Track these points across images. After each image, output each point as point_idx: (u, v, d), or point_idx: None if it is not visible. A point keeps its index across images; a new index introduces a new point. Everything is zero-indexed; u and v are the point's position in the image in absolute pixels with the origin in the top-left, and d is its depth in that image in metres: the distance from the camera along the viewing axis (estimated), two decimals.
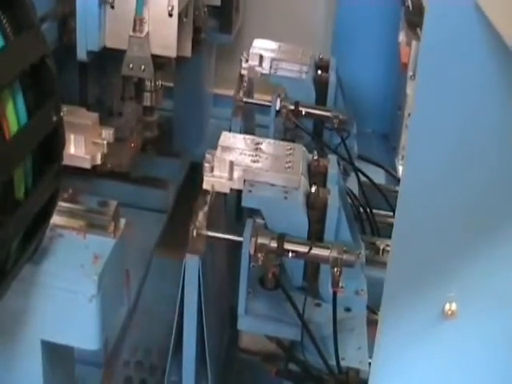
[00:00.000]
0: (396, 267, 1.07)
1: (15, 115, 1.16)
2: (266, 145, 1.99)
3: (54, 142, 1.27)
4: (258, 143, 1.99)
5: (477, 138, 0.95)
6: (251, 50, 2.46)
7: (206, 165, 1.88)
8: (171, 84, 2.72)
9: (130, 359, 2.32)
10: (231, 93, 2.49)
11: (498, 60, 0.90)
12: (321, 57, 2.55)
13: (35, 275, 1.37)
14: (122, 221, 1.50)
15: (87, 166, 1.84)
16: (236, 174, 1.85)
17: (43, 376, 1.46)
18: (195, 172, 2.70)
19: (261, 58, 2.41)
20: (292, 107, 2.31)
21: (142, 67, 2.02)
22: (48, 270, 1.38)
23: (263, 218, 1.78)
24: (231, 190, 1.87)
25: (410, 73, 2.69)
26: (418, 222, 1.02)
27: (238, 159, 1.89)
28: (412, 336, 1.09)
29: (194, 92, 2.80)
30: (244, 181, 1.84)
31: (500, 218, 0.99)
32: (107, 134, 1.87)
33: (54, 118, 1.25)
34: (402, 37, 2.89)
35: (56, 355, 1.50)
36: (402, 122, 3.00)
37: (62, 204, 1.44)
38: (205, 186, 1.87)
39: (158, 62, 2.08)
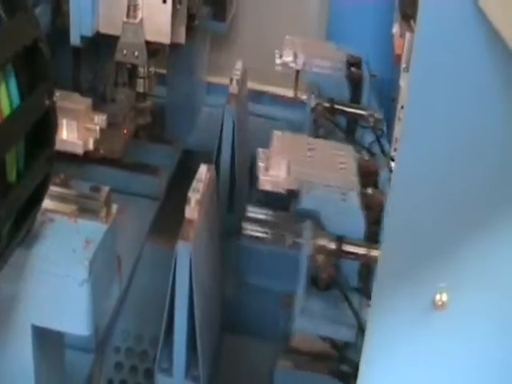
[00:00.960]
0: (387, 257, 1.07)
1: (7, 98, 1.16)
2: (318, 145, 1.99)
3: (46, 126, 1.27)
4: (309, 143, 2.00)
5: (470, 130, 0.95)
6: (284, 46, 2.48)
7: (261, 164, 1.89)
8: (164, 71, 2.71)
9: (120, 345, 2.32)
10: (225, 81, 2.49)
11: (494, 53, 0.90)
12: (351, 53, 2.57)
13: (26, 259, 1.36)
14: (114, 206, 1.49)
15: (79, 151, 1.83)
16: (292, 175, 1.86)
17: (33, 360, 1.46)
18: (187, 159, 2.70)
19: (295, 54, 2.43)
20: (327, 104, 2.33)
21: (136, 53, 2.01)
22: (39, 254, 1.37)
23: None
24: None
25: (404, 65, 2.69)
26: (409, 212, 1.02)
27: (293, 159, 1.89)
28: (402, 326, 1.09)
29: (187, 79, 2.80)
30: (300, 181, 1.84)
31: (492, 209, 0.99)
32: (100, 119, 1.86)
33: (47, 102, 1.25)
34: (395, 28, 2.89)
35: (46, 340, 1.49)
36: (395, 114, 3.00)
37: (53, 188, 1.44)
38: (261, 186, 1.88)
39: (152, 48, 2.07)
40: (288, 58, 2.44)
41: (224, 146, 2.40)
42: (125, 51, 2.00)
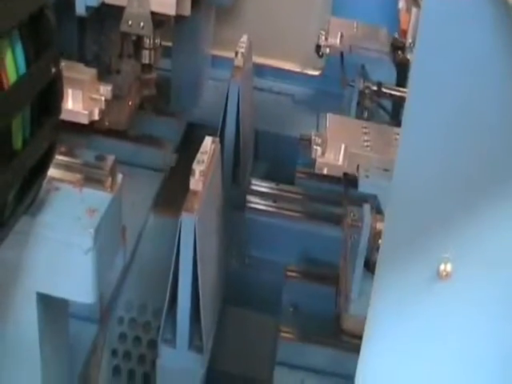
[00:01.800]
0: (392, 229, 1.08)
1: (14, 65, 1.16)
2: (373, 129, 1.99)
3: (52, 94, 1.27)
4: (364, 127, 2.00)
5: (475, 105, 0.95)
6: (330, 28, 2.48)
7: (317, 148, 1.89)
8: (170, 44, 2.71)
9: (124, 316, 2.33)
10: (229, 54, 2.49)
11: (501, 31, 0.90)
12: (396, 36, 2.57)
13: (31, 227, 1.37)
14: (119, 176, 1.50)
15: (85, 121, 1.83)
16: (350, 159, 1.86)
17: (38, 328, 1.47)
18: (192, 132, 2.70)
19: (341, 36, 2.43)
20: (375, 88, 2.34)
21: (141, 24, 2.01)
22: (44, 221, 1.38)
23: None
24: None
25: (410, 40, 2.68)
26: (414, 184, 1.02)
27: (349, 143, 1.89)
28: (407, 296, 1.09)
29: (192, 52, 2.79)
30: (358, 165, 1.85)
31: (496, 181, 0.99)
32: (105, 90, 1.86)
33: (53, 70, 1.25)
34: (401, 3, 2.87)
35: (51, 307, 1.50)
36: None
37: (59, 157, 1.44)
38: (317, 169, 1.88)
39: (157, 19, 2.07)
40: (334, 40, 2.44)
41: (229, 119, 2.40)
42: (130, 22, 2.00)
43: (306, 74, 2.50)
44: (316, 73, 2.61)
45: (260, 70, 2.95)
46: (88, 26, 2.27)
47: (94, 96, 1.87)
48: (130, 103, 2.31)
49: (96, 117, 1.88)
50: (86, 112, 1.87)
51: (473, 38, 0.91)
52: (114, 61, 2.31)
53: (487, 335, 1.10)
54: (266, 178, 2.71)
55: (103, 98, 1.87)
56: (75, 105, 1.84)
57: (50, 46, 1.24)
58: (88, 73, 1.88)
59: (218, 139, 2.03)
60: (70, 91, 1.81)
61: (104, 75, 2.10)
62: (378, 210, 1.79)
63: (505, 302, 1.07)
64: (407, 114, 1.00)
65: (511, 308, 1.07)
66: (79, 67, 1.91)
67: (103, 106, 1.89)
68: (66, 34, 2.20)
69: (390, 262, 1.09)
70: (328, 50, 2.44)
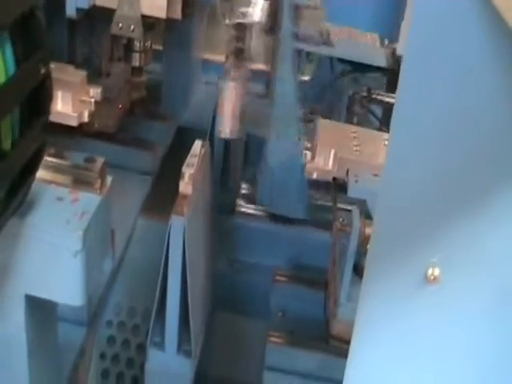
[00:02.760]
0: (379, 232, 1.08)
1: (3, 65, 1.15)
2: (363, 134, 2.00)
3: (41, 95, 1.27)
4: (354, 132, 2.01)
5: (464, 113, 0.95)
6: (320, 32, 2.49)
7: (306, 152, 1.89)
8: (160, 47, 2.70)
9: (113, 319, 2.32)
10: (220, 58, 2.49)
11: (491, 37, 0.90)
12: (387, 43, 2.57)
13: (20, 228, 1.36)
14: (109, 178, 1.50)
15: (74, 123, 1.83)
16: (339, 163, 1.87)
17: (26, 331, 1.46)
18: (182, 135, 2.70)
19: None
20: (365, 93, 2.34)
21: (132, 27, 2.01)
22: (33, 223, 1.37)
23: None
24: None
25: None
26: (402, 189, 1.02)
27: (339, 148, 1.90)
28: (395, 301, 1.09)
29: (182, 56, 2.79)
30: (347, 170, 1.85)
31: (485, 184, 0.99)
32: (95, 92, 1.86)
33: (43, 71, 1.24)
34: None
35: (39, 310, 1.50)
36: None
37: (48, 159, 1.44)
38: (307, 174, 1.89)
39: (148, 22, 2.07)
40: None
41: (218, 122, 2.40)
42: (120, 24, 2.00)
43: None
44: (306, 78, 2.61)
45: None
46: (78, 29, 2.26)
47: (84, 98, 1.87)
48: (119, 106, 2.30)
49: (85, 119, 1.87)
50: (76, 114, 1.87)
51: (462, 44, 0.91)
52: (104, 63, 2.31)
53: (476, 339, 1.10)
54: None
55: (93, 101, 1.86)
56: (64, 107, 1.84)
57: (40, 46, 1.23)
58: (78, 75, 1.88)
59: (207, 143, 2.03)
60: (59, 93, 1.81)
61: (94, 78, 2.09)
62: (367, 215, 1.79)
63: (493, 306, 1.07)
64: (396, 120, 1.00)
65: (500, 312, 1.07)
66: (69, 69, 1.90)
67: (93, 109, 1.89)
68: (56, 36, 2.19)
69: (378, 266, 1.09)
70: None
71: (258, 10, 1.99)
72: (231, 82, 1.74)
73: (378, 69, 2.35)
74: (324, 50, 2.28)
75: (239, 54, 1.92)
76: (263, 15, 1.97)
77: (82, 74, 1.88)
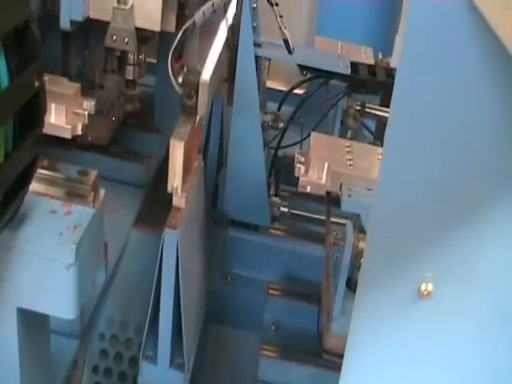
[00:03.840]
0: (373, 247, 1.07)
1: None
2: (357, 148, 2.00)
3: (35, 108, 1.26)
4: (348, 146, 2.01)
5: (458, 127, 0.95)
6: (316, 47, 2.50)
7: (300, 166, 1.89)
8: (154, 60, 2.70)
9: (105, 332, 2.31)
10: None
11: (485, 50, 0.90)
12: (380, 57, 2.57)
13: (12, 241, 1.36)
14: (102, 191, 1.49)
15: (67, 135, 1.83)
16: (333, 177, 1.87)
17: (18, 343, 1.45)
18: None
19: None
20: (359, 107, 2.34)
21: (126, 40, 2.01)
22: (26, 236, 1.37)
23: None
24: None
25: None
26: (395, 204, 1.02)
27: (333, 162, 1.90)
28: (388, 316, 1.09)
29: None
30: (341, 184, 1.85)
31: (479, 199, 0.99)
32: (89, 104, 1.86)
33: (36, 83, 1.24)
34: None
35: (31, 323, 1.49)
36: None
37: (41, 171, 1.43)
38: (300, 187, 1.89)
39: (142, 35, 2.07)
40: None
41: (212, 134, 2.40)
42: (115, 37, 2.00)
43: (291, 93, 2.50)
44: (301, 91, 2.61)
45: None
46: (72, 41, 2.26)
47: (78, 111, 1.87)
48: (113, 118, 2.30)
49: (79, 131, 1.87)
50: (69, 126, 1.86)
51: (456, 57, 0.91)
52: (98, 76, 2.30)
53: (469, 354, 1.10)
54: None
55: (86, 113, 1.86)
56: (58, 119, 1.84)
57: (34, 59, 1.23)
58: (72, 87, 1.88)
59: (201, 155, 2.03)
60: (53, 105, 1.81)
61: (87, 90, 2.09)
62: (360, 229, 1.79)
63: (487, 321, 1.07)
64: (389, 134, 1.00)
65: (494, 328, 1.07)
66: (63, 81, 1.90)
67: (86, 121, 1.89)
68: (50, 48, 2.19)
69: (372, 281, 1.09)
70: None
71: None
72: (179, 141, 1.74)
73: (343, 76, 2.35)
74: (284, 57, 2.28)
75: (190, 112, 1.92)
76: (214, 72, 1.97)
77: (75, 86, 1.88)
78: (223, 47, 2.11)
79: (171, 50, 1.89)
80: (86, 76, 2.33)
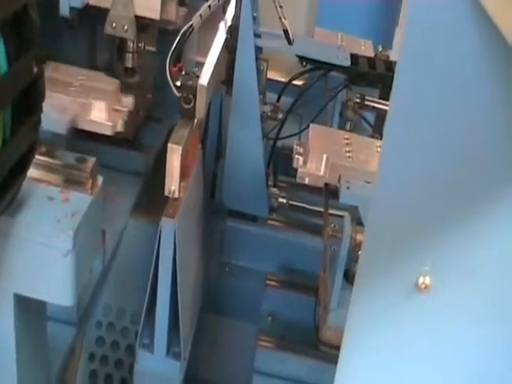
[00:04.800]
0: (371, 240, 1.07)
1: None
2: (355, 140, 2.00)
3: (33, 94, 1.26)
4: (347, 138, 2.00)
5: (457, 120, 0.95)
6: (315, 38, 2.49)
7: (298, 157, 1.89)
8: (154, 48, 2.69)
9: (102, 320, 2.32)
10: None
11: (486, 44, 0.90)
12: (380, 50, 2.57)
13: (10, 227, 1.36)
14: (100, 178, 1.49)
15: (108, 132, 1.82)
16: (331, 169, 1.87)
17: (15, 330, 1.45)
18: None
19: None
20: (358, 100, 2.34)
21: (125, 27, 2.00)
22: (23, 222, 1.36)
23: None
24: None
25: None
26: (394, 196, 1.02)
27: (331, 154, 1.90)
28: (385, 309, 1.09)
29: None
30: (339, 176, 1.85)
31: (477, 192, 0.99)
32: (128, 101, 1.85)
33: (35, 69, 1.24)
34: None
35: (28, 309, 1.49)
36: None
37: (39, 158, 1.43)
38: (299, 179, 1.89)
39: (142, 23, 2.07)
40: None
41: (211, 125, 2.40)
42: (114, 24, 1.99)
43: (290, 84, 2.49)
44: (300, 83, 2.60)
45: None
46: (99, 34, 2.26)
47: (117, 107, 1.86)
48: (140, 113, 2.30)
49: (119, 128, 1.87)
50: (110, 123, 1.87)
51: (456, 50, 0.91)
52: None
53: (467, 347, 1.10)
54: None
55: (126, 110, 1.86)
56: (99, 116, 1.83)
57: (33, 45, 1.23)
58: (112, 83, 1.86)
59: (199, 145, 2.03)
60: (93, 102, 1.80)
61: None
62: (358, 222, 1.79)
63: (484, 315, 1.07)
64: (389, 127, 1.00)
65: (491, 321, 1.07)
66: (101, 77, 1.90)
67: (126, 118, 1.89)
68: (77, 41, 2.21)
69: (369, 273, 1.08)
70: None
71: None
72: (177, 145, 1.74)
73: (342, 68, 2.34)
74: (283, 48, 2.28)
75: (188, 115, 1.92)
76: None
77: (115, 82, 1.86)
78: (222, 49, 2.10)
79: (169, 54, 1.89)
80: (113, 70, 2.33)
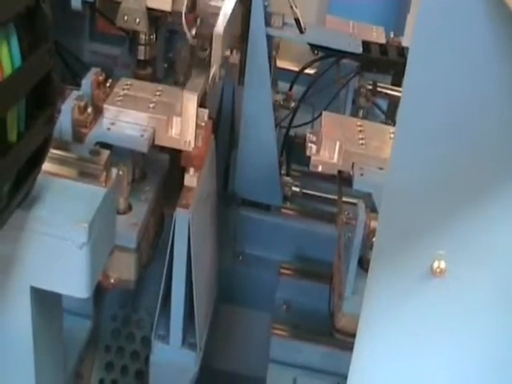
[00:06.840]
0: (386, 225, 1.08)
1: (9, 58, 1.15)
2: (368, 127, 2.00)
3: (47, 88, 1.26)
4: (360, 125, 2.00)
5: (470, 106, 0.95)
6: (326, 26, 2.49)
7: (312, 145, 1.89)
8: None
9: (117, 312, 2.32)
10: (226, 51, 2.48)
11: (498, 29, 0.90)
12: (392, 36, 2.57)
13: (25, 221, 1.36)
14: (114, 170, 1.49)
15: (189, 148, 1.81)
16: (345, 157, 1.87)
17: (32, 322, 1.46)
18: None
19: None
20: (370, 87, 2.34)
21: (137, 20, 2.00)
22: (38, 216, 1.37)
23: None
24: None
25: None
26: (407, 182, 1.02)
27: (344, 141, 1.90)
28: (400, 293, 1.09)
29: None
30: (352, 163, 1.85)
31: (491, 176, 0.99)
32: (202, 115, 1.84)
33: (48, 64, 1.24)
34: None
35: (45, 302, 1.50)
36: None
37: (53, 151, 1.43)
38: (312, 167, 1.89)
39: (153, 15, 2.06)
40: None
41: (223, 115, 2.40)
42: (126, 17, 1.99)
43: (302, 73, 2.49)
44: (312, 71, 2.60)
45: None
46: (159, 44, 2.28)
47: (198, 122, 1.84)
48: None
49: (199, 144, 1.84)
50: (189, 139, 1.84)
51: (468, 36, 0.91)
52: (184, 78, 2.26)
53: (481, 332, 1.10)
54: None
55: (203, 124, 1.84)
56: (176, 131, 1.80)
57: (46, 39, 1.23)
58: (189, 99, 1.83)
59: (212, 136, 2.03)
60: (174, 119, 1.78)
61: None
62: (372, 209, 1.79)
63: (499, 299, 1.07)
64: (402, 113, 1.00)
65: (506, 306, 1.07)
66: (177, 92, 1.87)
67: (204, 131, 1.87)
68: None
69: (384, 259, 1.09)
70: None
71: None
72: (193, 93, 1.72)
73: (354, 55, 2.34)
74: (295, 36, 2.28)
75: (203, 64, 1.90)
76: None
77: (193, 97, 1.83)
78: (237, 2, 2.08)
79: (184, 2, 1.88)
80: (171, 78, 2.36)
